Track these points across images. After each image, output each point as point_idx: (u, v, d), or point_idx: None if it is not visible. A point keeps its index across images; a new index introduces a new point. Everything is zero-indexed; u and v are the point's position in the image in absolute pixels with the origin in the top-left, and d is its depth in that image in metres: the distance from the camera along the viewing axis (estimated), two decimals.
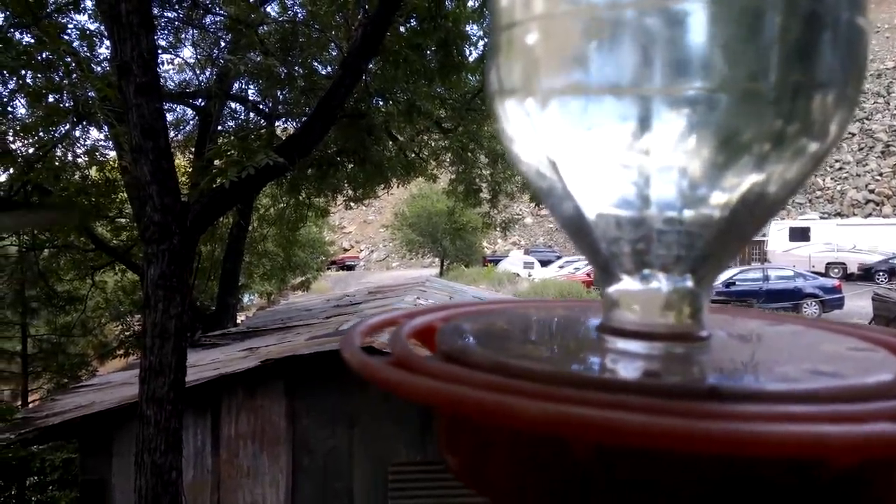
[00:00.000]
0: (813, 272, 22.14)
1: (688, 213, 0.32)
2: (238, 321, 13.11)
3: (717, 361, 0.33)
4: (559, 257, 37.08)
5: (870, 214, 38.82)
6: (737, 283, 19.07)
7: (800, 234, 27.12)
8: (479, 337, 0.38)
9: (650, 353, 0.34)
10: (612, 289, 0.36)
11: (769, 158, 0.30)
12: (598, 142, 0.31)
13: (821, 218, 31.83)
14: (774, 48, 0.28)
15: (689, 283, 0.34)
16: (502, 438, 0.30)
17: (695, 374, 0.32)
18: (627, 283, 0.35)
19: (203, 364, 6.74)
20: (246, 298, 19.74)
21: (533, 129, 0.33)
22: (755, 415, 0.25)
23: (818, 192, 41.96)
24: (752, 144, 0.30)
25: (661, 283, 0.34)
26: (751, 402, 0.26)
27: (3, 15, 6.53)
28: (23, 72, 6.18)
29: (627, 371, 0.33)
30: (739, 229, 0.33)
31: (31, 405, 10.85)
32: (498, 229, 14.45)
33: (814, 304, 18.63)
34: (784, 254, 26.25)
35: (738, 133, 0.29)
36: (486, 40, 8.13)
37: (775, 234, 27.14)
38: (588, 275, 27.44)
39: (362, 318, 0.41)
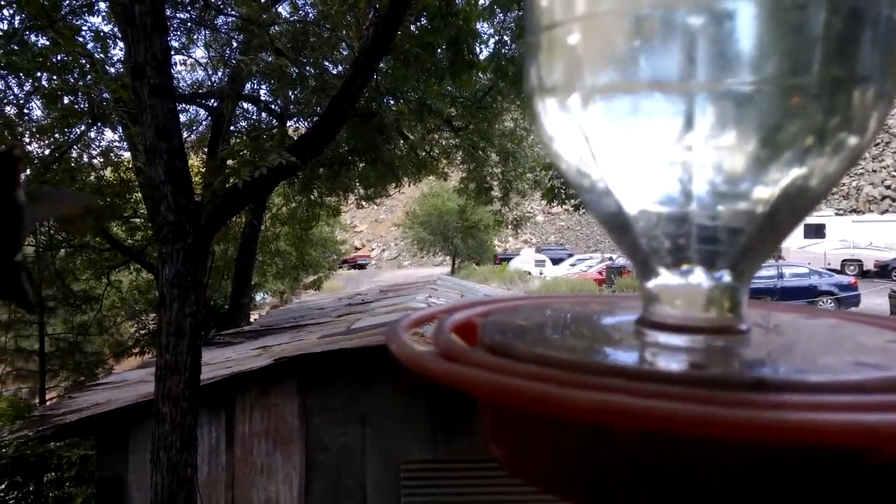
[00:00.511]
0: (828, 269, 21.99)
1: (729, 209, 0.32)
2: (251, 320, 13.16)
3: (759, 353, 0.33)
4: (570, 255, 37.06)
5: (886, 211, 38.54)
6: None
7: (814, 231, 26.90)
8: (521, 330, 0.38)
9: (691, 346, 0.34)
10: (651, 284, 0.37)
11: (810, 153, 0.30)
12: (641, 138, 0.32)
13: (836, 214, 31.61)
14: (817, 43, 0.29)
15: (729, 278, 0.35)
16: (548, 428, 0.31)
17: (738, 365, 0.32)
18: (667, 278, 0.36)
19: (217, 362, 6.78)
20: (259, 297, 19.81)
21: (575, 127, 0.33)
22: (803, 404, 0.25)
23: (833, 189, 41.66)
24: (794, 139, 0.30)
25: (701, 278, 0.35)
26: (797, 392, 0.26)
27: (18, 17, 6.58)
28: (38, 74, 6.23)
29: (671, 363, 0.33)
30: (780, 224, 0.33)
31: (48, 403, 10.93)
32: (509, 227, 14.44)
33: (829, 301, 18.50)
34: (799, 251, 26.02)
35: (781, 128, 0.30)
36: (497, 38, 8.12)
37: None
38: (600, 273, 27.39)
39: (409, 312, 0.42)
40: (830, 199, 40.57)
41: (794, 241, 26.67)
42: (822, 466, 0.26)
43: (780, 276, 19.34)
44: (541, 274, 30.51)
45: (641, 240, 0.35)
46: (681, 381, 0.28)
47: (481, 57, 8.07)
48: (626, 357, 0.35)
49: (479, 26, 7.87)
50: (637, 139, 0.32)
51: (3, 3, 6.37)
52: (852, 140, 0.31)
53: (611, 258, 28.59)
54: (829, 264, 24.46)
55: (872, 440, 0.24)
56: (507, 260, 34.85)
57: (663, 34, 0.30)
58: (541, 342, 0.35)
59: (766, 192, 0.31)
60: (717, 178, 0.31)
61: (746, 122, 0.30)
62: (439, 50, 7.71)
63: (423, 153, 11.34)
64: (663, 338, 0.35)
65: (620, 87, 0.31)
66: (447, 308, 0.43)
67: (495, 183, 12.33)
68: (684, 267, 0.35)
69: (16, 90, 7.54)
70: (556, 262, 34.18)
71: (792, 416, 0.24)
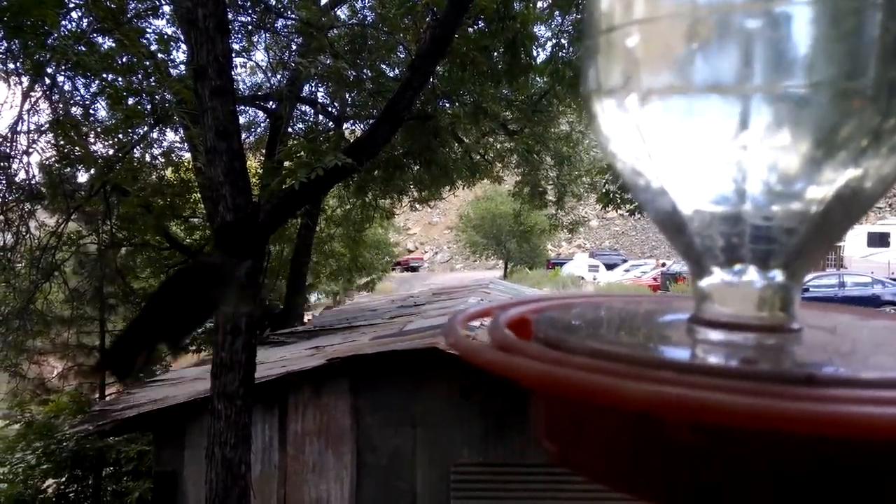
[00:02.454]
0: (892, 279, 21.28)
1: (783, 209, 0.33)
2: (305, 320, 13.31)
3: (810, 351, 0.34)
4: (625, 261, 36.59)
5: None
6: (811, 289, 18.41)
7: (878, 240, 25.95)
8: (574, 326, 0.39)
9: (743, 343, 0.34)
10: (704, 282, 0.37)
11: (866, 154, 0.31)
12: (697, 139, 0.32)
13: None
14: (874, 45, 0.29)
15: (782, 278, 0.35)
16: (600, 421, 0.32)
17: (789, 362, 0.32)
18: (720, 277, 0.36)
19: (271, 361, 6.87)
20: (313, 298, 20.02)
21: (631, 127, 0.34)
22: (851, 398, 0.25)
23: (890, 191, 40.32)
24: (849, 141, 0.30)
25: (754, 277, 0.35)
26: (847, 387, 0.27)
27: (86, 20, 6.79)
28: (104, 75, 6.41)
29: (722, 358, 0.33)
30: (833, 225, 0.34)
31: (108, 398, 11.21)
32: (564, 230, 14.33)
33: (893, 311, 17.85)
34: (862, 260, 25.19)
35: (836, 129, 0.30)
36: (554, 41, 8.09)
37: (852, 239, 26.05)
38: (654, 279, 27.00)
39: (464, 308, 0.43)
40: None
41: (858, 250, 25.83)
42: (868, 460, 0.26)
43: (842, 284, 18.80)
44: (594, 279, 30.23)
45: (695, 239, 0.36)
46: (731, 375, 0.28)
47: (538, 60, 8.05)
48: (678, 352, 0.36)
49: (536, 29, 7.85)
50: (693, 139, 0.32)
51: (71, 5, 6.57)
52: None
53: (664, 264, 28.19)
54: (892, 274, 23.64)
55: None
56: (560, 264, 34.62)
57: (720, 37, 0.30)
58: (594, 337, 0.36)
59: (820, 192, 0.32)
60: (772, 178, 0.32)
61: (801, 124, 0.30)
62: (496, 53, 7.70)
63: (478, 156, 11.34)
64: (715, 335, 0.35)
65: (677, 88, 0.32)
66: (501, 304, 0.44)
67: (549, 187, 12.26)
68: (737, 266, 0.35)
69: (82, 91, 7.78)
70: (610, 267, 33.79)
71: (840, 409, 0.24)
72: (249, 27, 9.42)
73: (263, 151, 10.64)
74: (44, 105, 7.31)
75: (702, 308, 0.37)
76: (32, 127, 7.31)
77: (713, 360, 0.34)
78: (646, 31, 0.32)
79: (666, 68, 0.32)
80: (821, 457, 0.27)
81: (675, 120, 0.32)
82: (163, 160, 9.12)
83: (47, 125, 7.44)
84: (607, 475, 0.32)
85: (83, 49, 5.88)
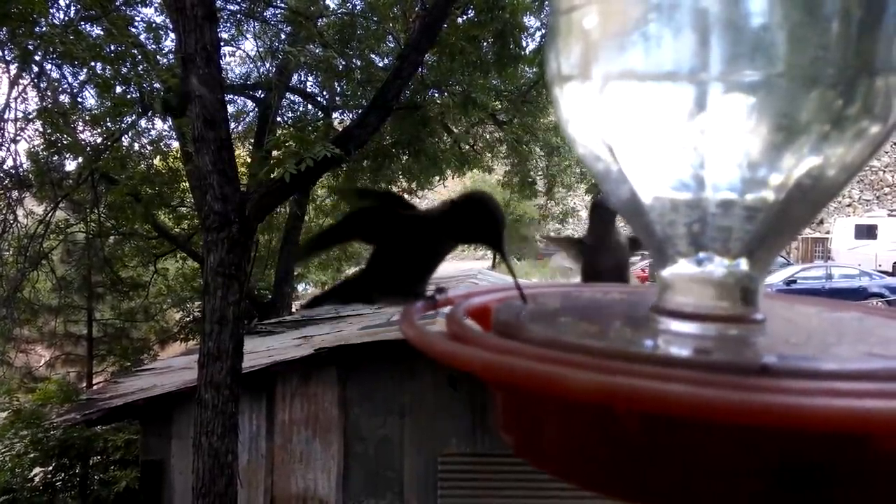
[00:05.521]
0: (879, 271, 21.36)
1: (744, 196, 0.32)
2: (293, 310, 13.26)
3: (769, 342, 0.33)
4: None
5: None
6: (798, 281, 18.44)
7: (866, 232, 26.01)
8: (534, 315, 0.39)
9: (703, 334, 0.34)
10: (666, 271, 0.36)
11: (828, 141, 0.30)
12: (654, 126, 0.32)
13: (889, 215, 30.57)
14: (834, 32, 0.28)
15: (744, 267, 0.35)
16: (555, 412, 0.31)
17: (745, 353, 0.32)
18: (682, 266, 0.36)
19: (259, 351, 6.85)
20: (301, 287, 19.94)
21: (590, 112, 0.33)
22: (799, 389, 0.25)
23: (886, 189, 40.51)
24: (809, 128, 0.30)
25: (716, 266, 0.35)
26: (801, 379, 0.26)
27: (74, 8, 6.72)
28: (92, 63, 6.35)
29: (679, 349, 0.33)
30: (795, 213, 0.33)
31: (95, 387, 11.16)
32: (554, 221, 14.34)
33: (879, 304, 17.98)
34: (849, 252, 25.24)
35: (796, 117, 0.30)
36: (543, 31, 8.07)
37: (840, 231, 26.15)
38: (643, 270, 27.02)
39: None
40: (883, 200, 39.44)
41: (845, 242, 25.88)
42: (819, 453, 0.26)
43: (829, 277, 18.83)
44: None
45: (656, 227, 0.35)
46: (681, 365, 0.28)
47: (527, 50, 8.03)
48: (633, 342, 0.35)
49: (525, 19, 7.82)
50: (650, 126, 0.32)
51: None
52: (872, 129, 0.31)
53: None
54: (880, 266, 23.69)
55: (865, 427, 0.24)
56: (550, 255, 34.62)
57: (679, 20, 0.30)
58: (553, 327, 0.36)
59: (780, 179, 0.31)
60: (731, 165, 0.31)
61: (761, 111, 0.30)
62: (485, 43, 7.68)
63: (467, 146, 11.31)
64: (675, 325, 0.35)
65: (635, 74, 0.31)
66: (464, 293, 0.44)
67: (539, 177, 12.25)
68: (699, 255, 0.35)
69: (70, 79, 7.72)
70: None
71: (783, 399, 0.23)
72: (238, 16, 9.35)
73: (252, 141, 10.59)
74: (32, 93, 7.25)
75: (664, 298, 0.36)
76: (20, 115, 7.26)
77: (669, 350, 0.33)
78: (604, 13, 0.32)
79: (624, 53, 0.32)
80: (765, 449, 0.26)
81: (632, 106, 0.32)
82: (151, 149, 9.06)
83: (35, 113, 7.38)
84: (561, 468, 0.31)
85: (71, 37, 5.82)
